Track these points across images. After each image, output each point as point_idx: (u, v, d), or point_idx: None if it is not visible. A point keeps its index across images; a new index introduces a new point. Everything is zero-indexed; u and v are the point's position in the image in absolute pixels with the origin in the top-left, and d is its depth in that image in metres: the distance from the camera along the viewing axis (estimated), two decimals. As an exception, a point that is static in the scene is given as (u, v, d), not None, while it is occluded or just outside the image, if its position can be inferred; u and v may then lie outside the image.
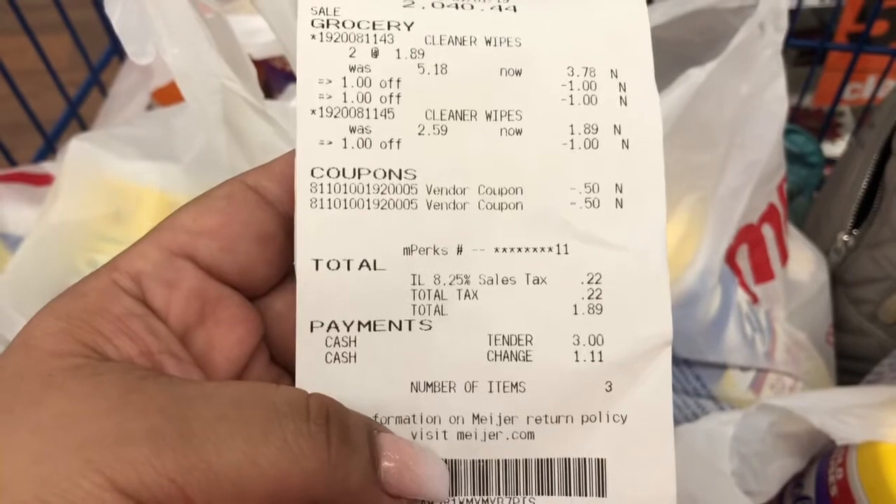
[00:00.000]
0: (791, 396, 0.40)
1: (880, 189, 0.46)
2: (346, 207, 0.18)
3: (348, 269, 0.18)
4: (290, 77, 0.54)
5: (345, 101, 0.19)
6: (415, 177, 0.19)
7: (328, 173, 0.18)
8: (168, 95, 0.50)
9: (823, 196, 0.53)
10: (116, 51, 0.59)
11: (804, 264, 0.47)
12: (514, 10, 0.20)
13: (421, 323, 0.19)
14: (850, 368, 0.48)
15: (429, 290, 0.19)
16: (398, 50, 0.19)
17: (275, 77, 0.58)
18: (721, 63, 0.38)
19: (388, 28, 0.19)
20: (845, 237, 0.47)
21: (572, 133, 0.19)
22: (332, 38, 0.19)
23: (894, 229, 0.44)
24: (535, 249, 0.19)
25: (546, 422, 0.19)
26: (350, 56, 0.19)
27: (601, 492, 0.19)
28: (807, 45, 0.59)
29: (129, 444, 0.14)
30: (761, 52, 0.40)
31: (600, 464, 0.19)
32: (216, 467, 0.14)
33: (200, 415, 0.15)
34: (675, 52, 0.45)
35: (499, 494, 0.18)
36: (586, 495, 0.19)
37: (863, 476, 0.32)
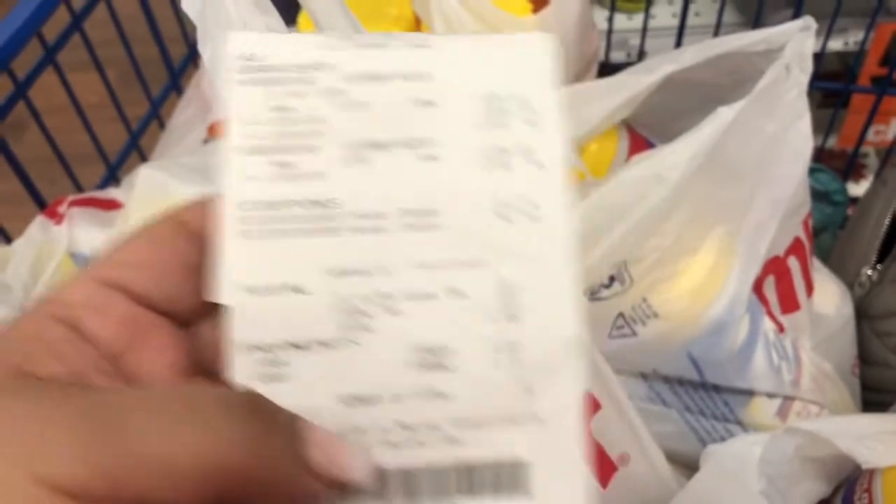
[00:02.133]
0: (817, 420, 0.41)
1: (903, 226, 0.47)
2: (272, 237, 0.19)
3: (276, 294, 0.19)
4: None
5: (270, 139, 0.20)
6: (338, 205, 0.20)
7: (255, 206, 0.20)
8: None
9: (847, 232, 0.54)
10: (174, 86, 0.63)
11: (829, 297, 0.49)
12: (428, 47, 0.22)
13: (348, 340, 0.19)
14: (875, 400, 0.49)
15: (354, 309, 0.19)
16: (320, 89, 0.20)
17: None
18: (748, 103, 0.39)
19: (311, 70, 0.21)
20: (869, 272, 0.49)
21: (484, 156, 0.21)
22: (257, 81, 0.20)
23: (917, 264, 0.45)
24: (453, 265, 0.20)
25: (470, 427, 0.19)
26: (275, 97, 0.20)
27: (525, 490, 0.19)
28: (831, 88, 0.61)
29: (56, 444, 0.15)
30: (787, 92, 0.41)
31: (523, 464, 0.19)
32: (141, 453, 0.15)
33: (123, 409, 0.16)
34: (705, 92, 0.47)
35: (429, 499, 0.19)
36: (512, 495, 0.19)
37: (888, 501, 0.33)
